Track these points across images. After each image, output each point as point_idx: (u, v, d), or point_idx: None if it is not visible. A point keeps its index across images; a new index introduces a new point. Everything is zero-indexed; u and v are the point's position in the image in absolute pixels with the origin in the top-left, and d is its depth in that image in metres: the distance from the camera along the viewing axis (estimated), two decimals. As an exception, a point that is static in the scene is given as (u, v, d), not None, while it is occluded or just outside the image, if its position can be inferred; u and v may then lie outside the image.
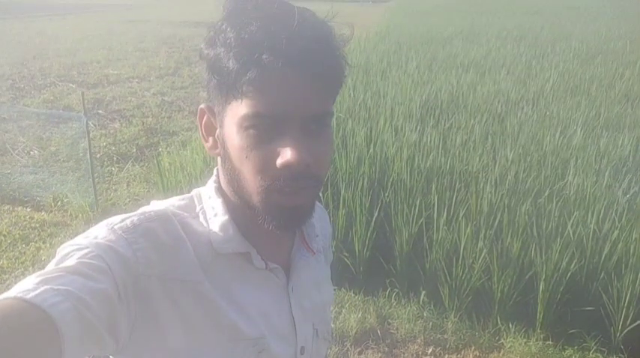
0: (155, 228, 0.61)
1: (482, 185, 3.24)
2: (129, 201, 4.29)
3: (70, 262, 0.53)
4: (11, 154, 5.40)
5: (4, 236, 3.57)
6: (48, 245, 3.44)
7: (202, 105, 0.67)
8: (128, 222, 0.60)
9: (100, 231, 0.58)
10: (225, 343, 0.63)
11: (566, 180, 3.35)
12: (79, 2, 27.68)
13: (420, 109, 5.12)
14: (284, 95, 0.57)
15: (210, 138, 0.67)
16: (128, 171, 5.01)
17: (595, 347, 2.70)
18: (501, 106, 5.47)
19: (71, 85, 9.06)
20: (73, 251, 0.55)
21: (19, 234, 3.60)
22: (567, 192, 3.21)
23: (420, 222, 3.09)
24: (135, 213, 0.63)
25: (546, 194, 3.16)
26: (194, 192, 0.71)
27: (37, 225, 3.73)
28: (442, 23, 14.85)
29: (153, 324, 0.59)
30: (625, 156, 3.81)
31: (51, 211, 3.96)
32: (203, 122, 0.67)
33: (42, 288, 0.47)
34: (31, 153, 5.46)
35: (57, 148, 5.51)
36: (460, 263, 2.90)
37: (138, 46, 13.34)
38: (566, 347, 2.74)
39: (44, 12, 22.19)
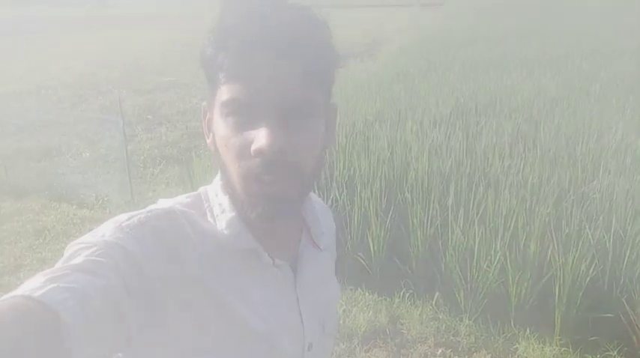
0: (162, 225, 0.61)
1: (502, 187, 3.17)
2: (165, 200, 4.52)
3: (78, 260, 0.53)
4: (65, 156, 5.83)
5: (49, 230, 3.88)
6: (86, 239, 3.70)
7: (204, 102, 0.67)
8: (135, 219, 0.60)
9: (108, 229, 0.58)
10: (235, 339, 0.63)
11: (594, 183, 3.21)
12: (143, 13, 29.20)
13: (452, 111, 5.06)
14: (257, 80, 0.57)
15: (211, 134, 0.66)
16: (168, 172, 5.27)
17: (617, 357, 2.58)
18: (540, 108, 5.28)
19: (127, 91, 9.61)
20: (80, 249, 0.55)
21: (61, 228, 3.90)
22: (594, 195, 3.08)
23: (436, 224, 3.07)
24: (142, 210, 0.63)
25: (571, 197, 3.05)
26: (201, 189, 0.71)
27: (79, 221, 4.02)
28: (495, 22, 14.47)
29: (162, 322, 0.58)
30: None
31: (92, 209, 4.25)
32: (206, 118, 0.67)
33: (49, 286, 0.47)
34: (83, 154, 5.87)
35: (106, 151, 5.88)
36: (476, 265, 2.85)
37: (194, 54, 13.89)
38: (585, 355, 2.63)
39: (111, 23, 23.59)
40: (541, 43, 10.06)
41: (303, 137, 0.60)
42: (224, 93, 0.59)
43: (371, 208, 3.21)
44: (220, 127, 0.61)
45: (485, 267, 2.83)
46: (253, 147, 0.57)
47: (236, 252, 0.65)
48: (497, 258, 2.80)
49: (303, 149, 0.61)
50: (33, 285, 0.47)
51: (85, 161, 5.57)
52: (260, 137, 0.57)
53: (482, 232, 2.90)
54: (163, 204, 0.67)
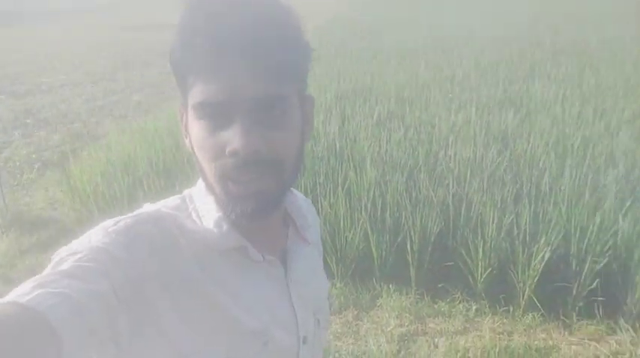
0: (149, 228, 0.61)
1: (365, 164, 3.53)
2: (44, 206, 4.40)
3: (65, 266, 0.52)
4: None
5: None
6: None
7: (180, 104, 0.66)
8: (122, 224, 0.60)
9: (95, 235, 0.58)
10: (230, 338, 0.63)
11: (443, 154, 3.67)
12: (37, 9, 26.89)
13: (332, 98, 5.40)
14: (227, 80, 0.56)
15: (188, 136, 0.65)
16: (48, 177, 5.09)
17: (461, 298, 3.02)
18: (410, 92, 5.81)
19: (3, 95, 8.95)
20: (67, 256, 0.54)
21: None
22: (442, 164, 3.53)
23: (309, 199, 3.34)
24: (128, 215, 0.63)
25: (422, 167, 3.47)
26: (185, 192, 0.71)
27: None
28: (396, 12, 15.29)
29: (154, 325, 0.57)
30: (503, 131, 4.18)
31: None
32: (183, 121, 0.66)
33: (37, 292, 0.47)
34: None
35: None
36: (342, 233, 3.17)
37: (76, 51, 13.18)
38: (437, 300, 3.05)
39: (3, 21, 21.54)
40: (420, 34, 10.88)
41: (279, 134, 0.60)
42: (195, 95, 0.58)
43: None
44: (195, 130, 0.60)
45: (351, 235, 3.16)
46: (228, 149, 0.57)
47: (225, 252, 0.65)
48: (360, 225, 3.14)
49: (279, 146, 0.60)
50: (21, 291, 0.47)
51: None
52: (234, 138, 0.56)
53: (347, 205, 3.22)
54: (149, 208, 0.67)
